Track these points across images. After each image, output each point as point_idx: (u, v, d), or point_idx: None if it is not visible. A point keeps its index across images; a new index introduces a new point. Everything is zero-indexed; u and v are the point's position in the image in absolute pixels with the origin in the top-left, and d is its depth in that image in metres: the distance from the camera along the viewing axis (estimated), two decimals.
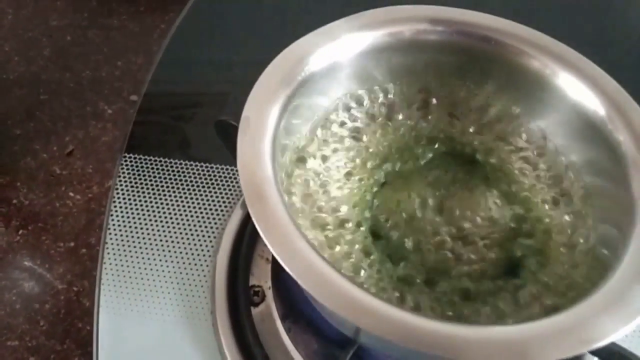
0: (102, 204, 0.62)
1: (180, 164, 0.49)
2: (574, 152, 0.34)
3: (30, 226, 0.62)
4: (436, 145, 0.38)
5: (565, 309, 0.25)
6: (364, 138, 0.37)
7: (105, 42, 0.79)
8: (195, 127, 0.54)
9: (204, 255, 0.44)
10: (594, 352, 0.33)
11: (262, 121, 0.29)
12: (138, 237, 0.45)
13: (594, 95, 0.32)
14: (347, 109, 0.36)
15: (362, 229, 0.33)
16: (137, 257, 0.44)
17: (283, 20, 0.62)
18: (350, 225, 0.33)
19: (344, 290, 0.24)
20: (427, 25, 0.33)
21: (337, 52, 0.33)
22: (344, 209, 0.33)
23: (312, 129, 0.35)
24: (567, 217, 0.34)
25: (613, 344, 0.31)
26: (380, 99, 0.37)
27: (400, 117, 0.38)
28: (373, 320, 0.23)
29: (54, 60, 0.78)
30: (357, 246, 0.31)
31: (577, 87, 0.33)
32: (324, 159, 0.35)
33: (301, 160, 0.34)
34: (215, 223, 0.46)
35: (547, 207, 0.35)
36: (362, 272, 0.31)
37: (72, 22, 0.81)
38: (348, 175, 0.34)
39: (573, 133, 0.34)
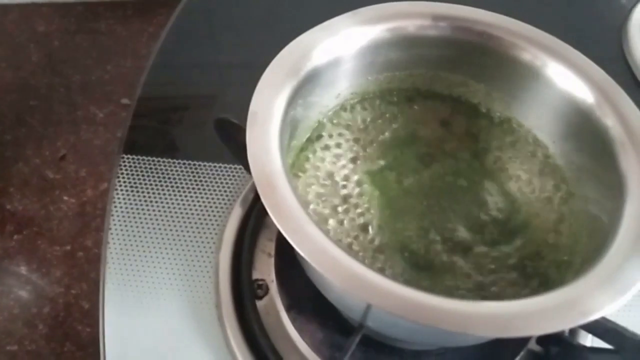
0: (97, 207, 0.62)
1: (178, 163, 0.50)
2: (564, 139, 0.36)
3: (25, 231, 0.62)
4: (430, 136, 0.39)
5: (563, 285, 0.27)
6: (363, 130, 0.38)
7: (93, 47, 0.79)
8: (192, 127, 0.54)
9: (206, 252, 0.44)
10: (590, 330, 0.35)
11: (269, 115, 0.30)
12: (139, 236, 0.45)
13: (583, 84, 0.33)
14: (348, 102, 0.37)
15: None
16: (140, 256, 0.44)
17: (273, 22, 0.63)
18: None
19: (355, 270, 0.25)
20: (424, 20, 0.35)
21: (339, 47, 0.34)
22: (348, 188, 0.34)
23: (316, 120, 0.36)
24: (558, 202, 0.35)
25: (607, 321, 0.33)
26: (378, 93, 0.38)
27: (396, 110, 0.39)
28: (383, 297, 0.25)
29: (42, 65, 0.78)
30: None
31: (567, 77, 0.34)
32: (326, 148, 0.36)
33: (306, 148, 0.35)
34: (216, 220, 0.46)
35: (538, 192, 0.36)
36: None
37: (59, 28, 0.81)
38: (351, 161, 0.36)
39: (564, 120, 0.35)
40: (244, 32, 0.65)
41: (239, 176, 0.51)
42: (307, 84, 0.33)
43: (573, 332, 0.38)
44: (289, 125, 0.31)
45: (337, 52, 0.34)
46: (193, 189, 0.50)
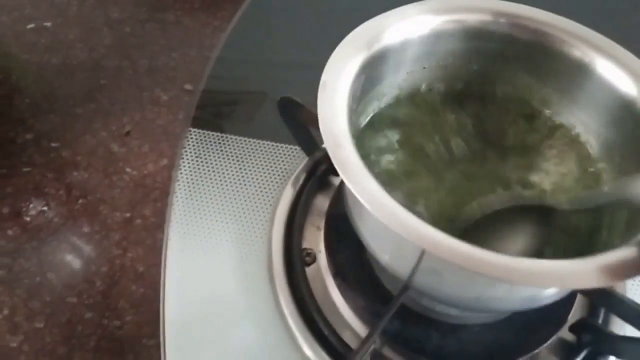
0: (156, 180, 0.66)
1: (238, 139, 0.53)
2: (608, 131, 0.37)
3: (90, 196, 0.66)
4: (481, 126, 0.41)
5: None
6: (415, 117, 0.40)
7: (161, 35, 0.84)
8: (252, 108, 0.58)
9: (260, 220, 0.47)
10: (625, 317, 0.36)
11: (337, 85, 0.33)
12: (201, 201, 0.49)
13: (627, 77, 0.35)
14: (404, 90, 0.40)
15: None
16: (200, 218, 0.47)
17: (330, 23, 0.65)
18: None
19: (411, 221, 0.28)
20: (485, 16, 0.37)
21: (407, 32, 0.36)
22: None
23: (374, 105, 0.39)
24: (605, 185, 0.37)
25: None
26: (432, 81, 0.41)
27: (447, 98, 0.41)
28: (438, 245, 0.27)
29: (114, 49, 0.83)
30: None
31: (612, 71, 0.36)
32: (379, 132, 0.39)
33: (363, 132, 0.38)
34: (271, 192, 0.49)
35: (575, 182, 0.38)
36: None
37: (131, 15, 0.87)
38: (399, 144, 0.38)
39: (608, 113, 0.37)
40: (304, 32, 0.67)
41: (293, 155, 0.54)
42: (374, 63, 0.36)
43: (606, 320, 0.39)
44: (354, 96, 0.34)
45: (404, 36, 0.37)
46: (251, 163, 0.53)
